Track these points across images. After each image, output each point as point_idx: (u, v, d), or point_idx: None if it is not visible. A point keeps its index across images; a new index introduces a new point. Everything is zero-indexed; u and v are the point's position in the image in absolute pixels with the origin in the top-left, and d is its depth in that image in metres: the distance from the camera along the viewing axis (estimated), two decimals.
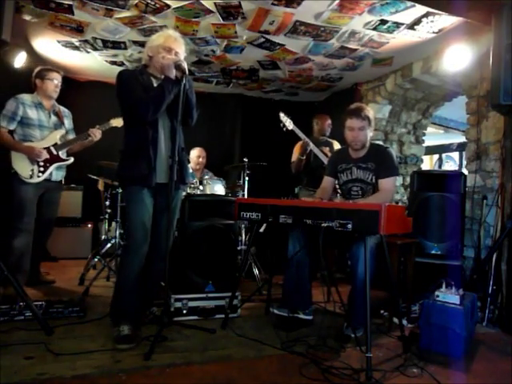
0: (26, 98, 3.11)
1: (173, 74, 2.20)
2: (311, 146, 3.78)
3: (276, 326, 2.52)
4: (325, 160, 3.77)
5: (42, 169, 3.09)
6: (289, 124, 3.75)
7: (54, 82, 3.20)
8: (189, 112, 2.35)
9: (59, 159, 3.18)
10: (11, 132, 3.05)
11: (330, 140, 4.09)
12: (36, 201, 3.13)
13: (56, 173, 3.21)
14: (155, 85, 2.31)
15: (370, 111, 2.67)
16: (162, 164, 2.29)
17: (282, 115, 3.78)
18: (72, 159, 3.28)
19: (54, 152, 3.15)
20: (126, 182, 2.34)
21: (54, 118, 3.25)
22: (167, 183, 2.25)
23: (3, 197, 3.09)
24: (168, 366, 1.90)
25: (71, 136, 3.34)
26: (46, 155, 3.10)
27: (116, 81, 2.28)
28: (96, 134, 3.21)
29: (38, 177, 3.07)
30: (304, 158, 3.90)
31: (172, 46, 2.29)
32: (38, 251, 3.30)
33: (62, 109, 3.37)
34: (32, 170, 3.04)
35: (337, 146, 3.97)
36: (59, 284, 3.42)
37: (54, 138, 3.19)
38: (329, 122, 4.11)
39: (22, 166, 3.03)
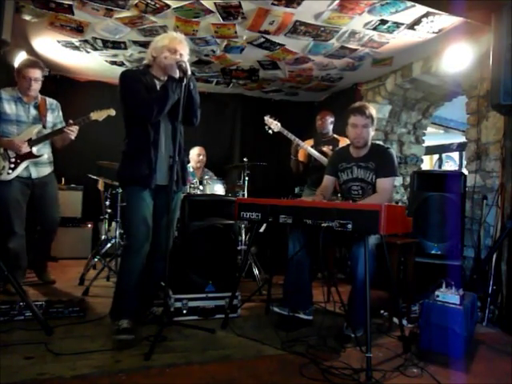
0: (3, 92, 3.01)
1: (176, 73, 2.20)
2: (302, 145, 3.81)
3: (276, 325, 2.52)
4: (323, 159, 3.78)
5: (12, 165, 2.97)
6: (274, 126, 3.77)
7: (28, 80, 3.00)
8: (194, 112, 2.36)
9: (31, 155, 3.03)
10: None
11: (338, 137, 3.99)
12: (24, 201, 3.06)
13: (36, 169, 3.10)
14: (158, 86, 2.31)
15: (373, 110, 2.67)
16: (162, 166, 2.30)
17: (266, 118, 3.81)
18: (45, 156, 3.14)
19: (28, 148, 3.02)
20: (126, 182, 2.35)
21: (33, 112, 3.10)
22: (167, 185, 2.25)
23: None
24: (168, 366, 1.90)
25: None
26: (27, 148, 2.98)
27: (119, 81, 2.28)
28: (71, 129, 3.02)
29: (8, 174, 2.95)
30: (294, 158, 3.96)
31: (177, 48, 2.28)
32: (42, 250, 3.26)
33: (49, 101, 3.22)
34: (3, 167, 2.94)
35: (345, 143, 3.91)
36: (59, 284, 3.41)
37: (30, 133, 3.04)
38: (327, 117, 4.05)
39: None
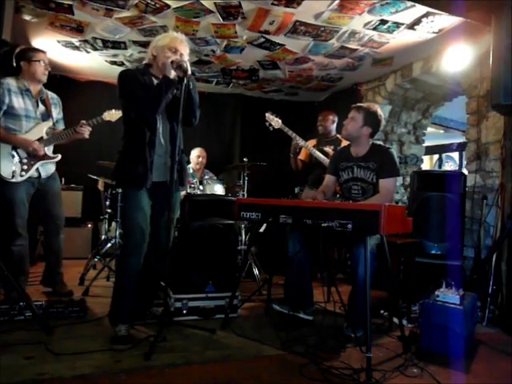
0: (11, 82, 2.70)
1: (170, 72, 2.21)
2: (302, 143, 3.79)
3: (276, 325, 2.52)
4: (324, 159, 3.79)
5: (25, 167, 2.73)
6: (275, 123, 3.76)
7: (43, 63, 2.79)
8: (193, 112, 2.36)
9: (45, 156, 2.82)
10: None
11: (341, 137, 3.86)
12: (28, 201, 2.82)
13: (44, 168, 2.86)
14: None
15: (373, 109, 2.64)
16: (159, 163, 2.30)
17: (267, 115, 3.80)
18: (59, 156, 2.94)
19: None
20: (122, 182, 2.35)
21: (41, 108, 2.84)
22: (165, 181, 2.26)
23: None
24: (168, 366, 1.90)
25: (61, 126, 2.99)
26: (42, 150, 2.77)
27: (118, 81, 2.27)
28: (84, 129, 2.85)
29: (21, 176, 2.71)
30: (293, 156, 3.95)
31: (178, 48, 2.29)
32: (52, 255, 3.05)
33: (50, 95, 2.95)
34: (14, 169, 2.69)
35: (347, 143, 3.90)
36: None
37: (40, 132, 2.78)
38: (329, 117, 4.02)
39: (3, 164, 2.65)
